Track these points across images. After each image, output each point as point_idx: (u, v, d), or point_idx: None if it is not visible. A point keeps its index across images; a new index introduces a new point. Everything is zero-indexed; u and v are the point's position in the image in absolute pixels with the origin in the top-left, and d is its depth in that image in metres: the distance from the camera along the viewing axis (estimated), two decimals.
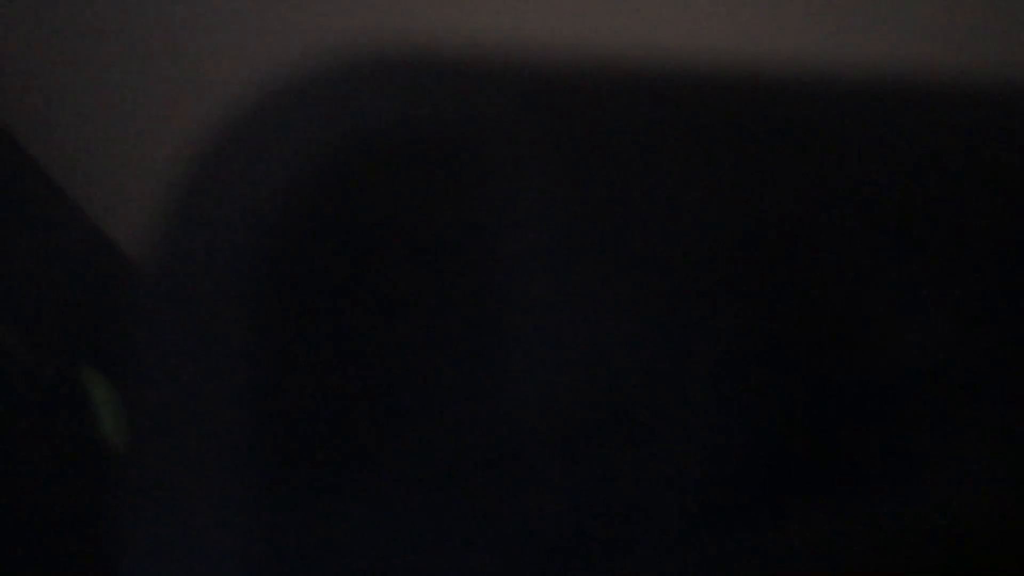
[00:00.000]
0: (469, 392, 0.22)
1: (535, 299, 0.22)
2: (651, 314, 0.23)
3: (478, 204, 0.23)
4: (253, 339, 0.22)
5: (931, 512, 0.23)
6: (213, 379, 0.22)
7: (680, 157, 0.24)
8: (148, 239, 0.23)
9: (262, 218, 0.23)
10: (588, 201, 0.23)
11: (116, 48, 0.55)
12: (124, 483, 0.23)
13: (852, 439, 0.23)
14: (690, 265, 0.23)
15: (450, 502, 0.22)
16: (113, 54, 0.55)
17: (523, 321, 0.22)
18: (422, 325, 0.22)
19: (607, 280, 0.23)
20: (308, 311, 0.22)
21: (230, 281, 0.23)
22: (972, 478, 0.23)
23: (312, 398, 0.22)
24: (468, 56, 0.24)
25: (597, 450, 0.22)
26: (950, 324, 0.23)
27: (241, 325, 0.22)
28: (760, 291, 0.23)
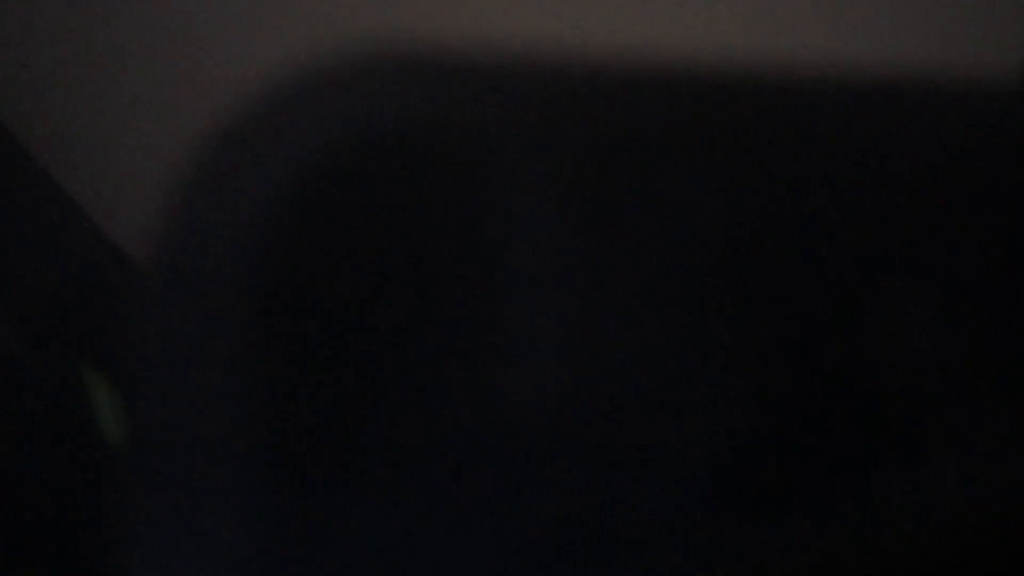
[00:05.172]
0: (470, 392, 0.22)
1: (536, 298, 0.22)
2: (653, 313, 0.23)
3: (480, 204, 0.23)
4: (254, 339, 0.22)
5: (932, 511, 0.23)
6: (214, 379, 0.22)
7: (682, 157, 0.24)
8: (148, 239, 0.23)
9: (263, 218, 0.23)
10: (589, 201, 0.23)
11: (116, 48, 0.55)
12: (124, 483, 0.23)
13: (854, 439, 0.23)
14: (691, 264, 0.23)
15: (451, 502, 0.22)
16: (113, 54, 0.55)
17: (524, 320, 0.22)
18: (424, 325, 0.22)
19: (608, 280, 0.23)
20: (309, 311, 0.22)
21: (231, 281, 0.23)
22: (973, 478, 0.23)
23: (313, 398, 0.22)
24: (468, 56, 0.24)
25: (598, 450, 0.22)
26: (951, 324, 0.23)
27: (242, 325, 0.22)
28: (761, 290, 0.23)
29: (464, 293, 0.22)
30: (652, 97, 0.24)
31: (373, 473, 0.22)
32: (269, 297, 0.22)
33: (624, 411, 0.22)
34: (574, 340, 0.22)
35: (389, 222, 0.23)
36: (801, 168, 0.24)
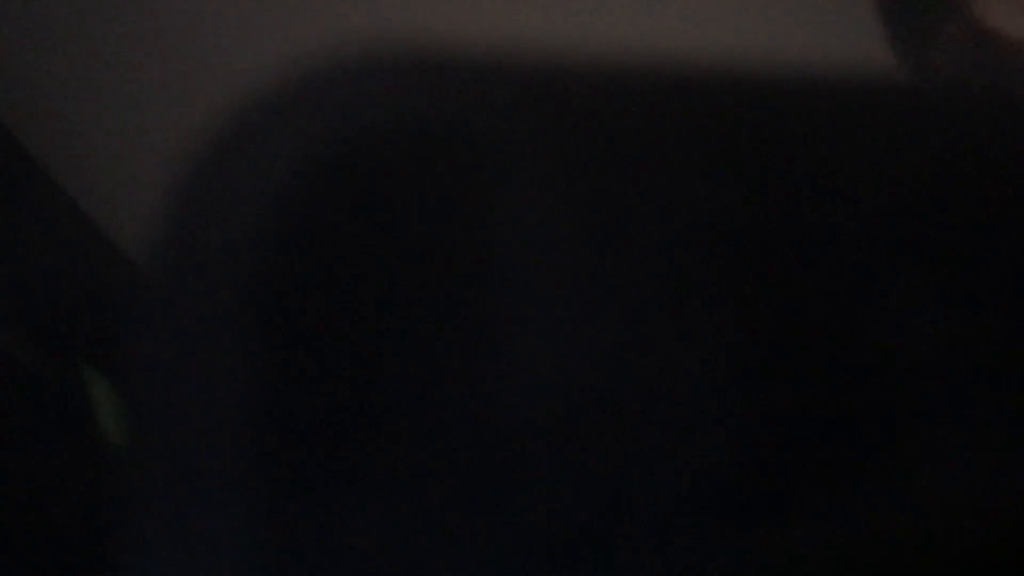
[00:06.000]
0: (468, 392, 0.22)
1: (536, 297, 0.22)
2: (653, 312, 0.23)
3: (479, 204, 0.23)
4: (254, 339, 0.22)
5: (932, 511, 0.23)
6: (214, 379, 0.22)
7: (681, 157, 0.24)
8: (148, 239, 0.23)
9: (263, 218, 0.23)
10: (589, 200, 0.23)
11: (117, 49, 0.55)
12: (124, 483, 0.23)
13: (853, 439, 0.23)
14: (691, 263, 0.23)
15: (449, 502, 0.22)
16: (113, 55, 0.55)
17: (524, 319, 0.22)
18: (423, 324, 0.22)
19: (608, 278, 0.23)
20: (309, 311, 0.22)
21: (231, 281, 0.23)
22: (973, 479, 0.23)
23: (313, 399, 0.22)
24: (468, 56, 0.24)
25: (598, 450, 0.22)
26: (951, 324, 0.23)
27: (242, 325, 0.22)
28: (762, 289, 0.23)
29: (464, 292, 0.22)
30: (651, 96, 0.24)
31: (373, 473, 0.22)
32: (269, 297, 0.22)
33: (625, 410, 0.22)
34: (573, 339, 0.22)
35: (389, 222, 0.23)
36: (802, 168, 0.24)
